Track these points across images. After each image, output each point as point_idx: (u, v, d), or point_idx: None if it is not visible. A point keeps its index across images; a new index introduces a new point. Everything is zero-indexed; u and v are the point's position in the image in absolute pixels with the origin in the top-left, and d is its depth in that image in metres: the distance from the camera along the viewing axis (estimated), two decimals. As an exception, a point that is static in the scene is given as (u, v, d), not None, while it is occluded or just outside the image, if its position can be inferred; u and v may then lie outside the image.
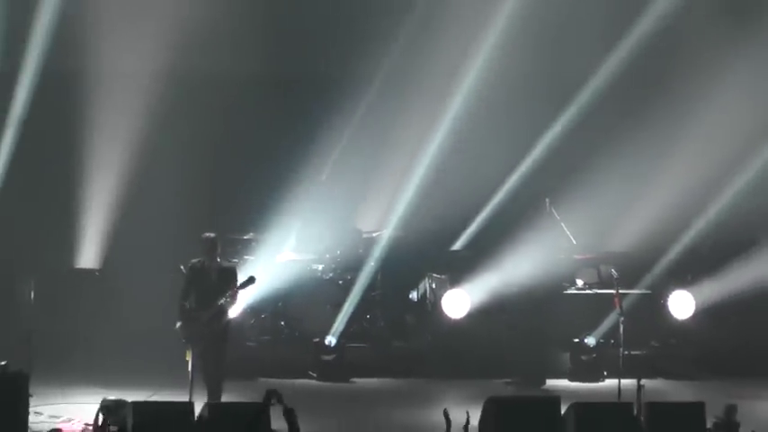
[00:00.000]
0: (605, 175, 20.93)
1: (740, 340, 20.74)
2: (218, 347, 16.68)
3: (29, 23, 20.31)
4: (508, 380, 19.60)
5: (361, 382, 19.59)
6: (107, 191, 20.67)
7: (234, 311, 18.46)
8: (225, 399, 16.37)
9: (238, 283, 16.60)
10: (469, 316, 20.27)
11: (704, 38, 21.36)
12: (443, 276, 20.71)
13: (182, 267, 16.75)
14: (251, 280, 16.50)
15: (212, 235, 16.68)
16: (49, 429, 15.15)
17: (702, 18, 21.38)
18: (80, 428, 15.45)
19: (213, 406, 15.36)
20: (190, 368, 16.37)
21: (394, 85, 21.25)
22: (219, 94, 20.93)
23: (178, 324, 16.44)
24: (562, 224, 20.06)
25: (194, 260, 16.57)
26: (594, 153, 21.25)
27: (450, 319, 20.33)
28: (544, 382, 19.29)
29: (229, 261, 16.97)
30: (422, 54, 21.16)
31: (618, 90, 21.44)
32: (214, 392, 16.58)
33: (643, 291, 19.97)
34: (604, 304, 19.04)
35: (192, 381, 16.31)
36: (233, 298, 16.52)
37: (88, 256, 20.53)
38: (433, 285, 20.77)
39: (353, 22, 21.27)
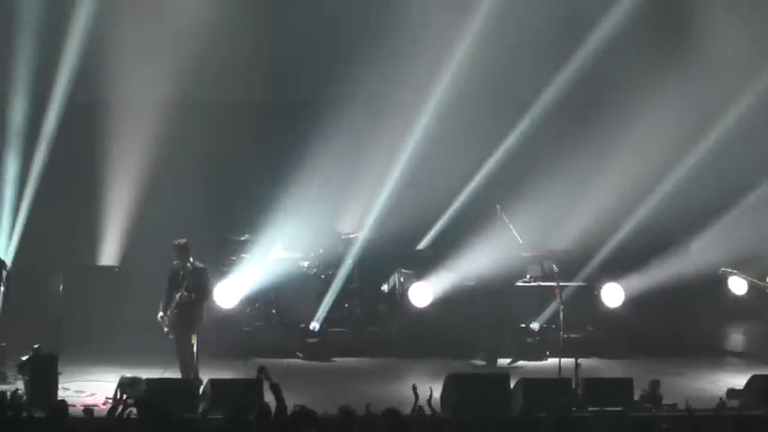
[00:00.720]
0: (549, 184, 20.92)
1: (662, 325, 20.90)
2: (183, 333, 16.86)
3: (59, 56, 20.16)
4: (476, 360, 19.65)
5: (341, 361, 19.68)
6: (125, 199, 20.60)
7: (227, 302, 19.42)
8: (226, 375, 16.32)
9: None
10: (433, 305, 20.30)
11: (636, 65, 21.41)
12: (410, 271, 20.74)
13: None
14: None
15: (183, 241, 16.87)
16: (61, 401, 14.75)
17: (635, 47, 21.35)
18: (102, 401, 15.41)
19: (215, 381, 15.60)
20: (195, 350, 16.54)
21: (370, 108, 21.13)
22: (220, 115, 20.88)
23: (159, 315, 16.73)
24: (511, 227, 19.91)
25: (175, 262, 16.73)
26: (540, 165, 21.25)
27: (416, 307, 20.37)
28: (496, 362, 19.30)
29: (201, 263, 16.98)
30: (392, 80, 21.07)
31: (561, 109, 21.41)
32: (188, 363, 16.75)
33: (579, 283, 20.03)
34: (547, 295, 19.23)
35: (197, 360, 16.52)
36: (192, 296, 16.65)
37: (109, 254, 20.51)
38: (402, 279, 20.75)
39: (337, 52, 21.19)
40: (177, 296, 16.69)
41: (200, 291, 16.87)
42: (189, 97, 20.71)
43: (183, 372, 16.77)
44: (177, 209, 20.02)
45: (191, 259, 16.88)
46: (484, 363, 19.58)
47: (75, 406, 14.91)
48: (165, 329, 16.78)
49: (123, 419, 14.53)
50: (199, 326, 16.91)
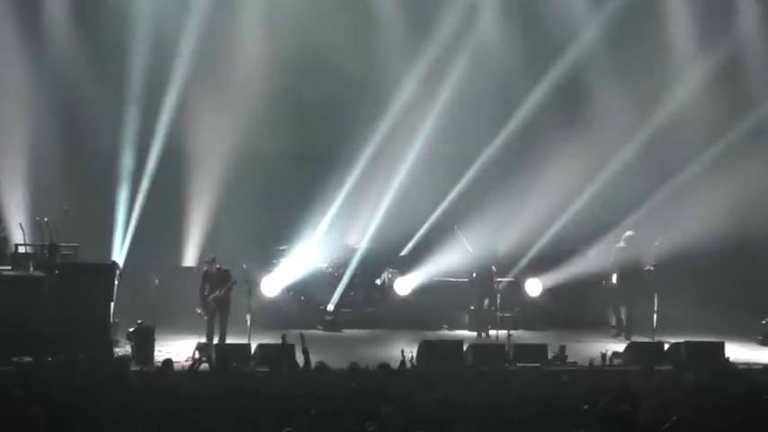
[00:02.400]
0: (493, 207, 20.56)
1: (568, 307, 20.77)
2: (224, 312, 17.13)
3: (157, 119, 20.17)
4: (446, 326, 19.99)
5: (348, 332, 19.77)
6: (201, 219, 20.47)
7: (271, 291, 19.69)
8: (270, 341, 16.31)
9: (229, 283, 17.23)
10: (412, 293, 20.43)
11: (550, 128, 21.13)
12: (395, 270, 20.73)
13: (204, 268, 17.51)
14: (234, 282, 17.22)
15: (212, 256, 17.41)
16: (164, 359, 15.04)
17: (549, 116, 21.10)
18: (184, 359, 15.52)
19: (262, 345, 15.98)
20: (248, 324, 16.82)
21: (368, 157, 20.85)
22: (265, 161, 20.70)
23: (198, 310, 17.18)
24: (464, 240, 19.98)
25: (205, 268, 17.28)
26: (486, 194, 20.99)
27: (399, 295, 20.52)
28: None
29: (225, 268, 17.40)
30: (383, 136, 20.87)
31: (500, 157, 21.17)
32: (222, 336, 17.15)
33: (511, 279, 19.99)
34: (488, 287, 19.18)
35: (249, 331, 16.73)
36: (225, 291, 17.05)
37: (189, 257, 20.44)
38: (390, 275, 20.73)
39: (345, 117, 21.03)
40: (216, 292, 17.02)
41: (228, 284, 17.19)
42: (243, 149, 20.51)
43: (221, 337, 17.13)
44: (236, 226, 19.96)
45: (217, 265, 17.23)
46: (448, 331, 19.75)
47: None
48: (199, 311, 17.15)
49: (198, 371, 14.65)
50: (229, 309, 17.26)
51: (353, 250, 20.66)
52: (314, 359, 14.55)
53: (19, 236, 18.16)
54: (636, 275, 19.69)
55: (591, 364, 15.40)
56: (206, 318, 17.29)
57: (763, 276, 19.84)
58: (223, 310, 17.30)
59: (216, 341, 16.98)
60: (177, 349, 16.44)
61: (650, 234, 20.28)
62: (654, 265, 19.82)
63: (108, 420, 11.23)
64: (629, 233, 19.92)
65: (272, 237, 20.62)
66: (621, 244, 19.85)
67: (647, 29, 21.13)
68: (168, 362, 14.77)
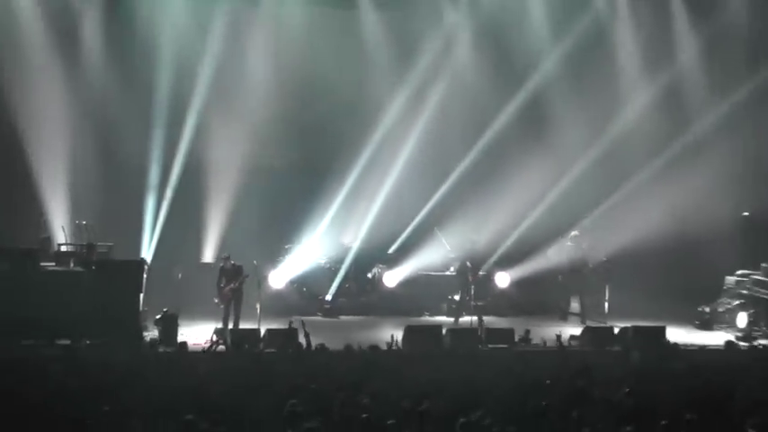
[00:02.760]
0: (468, 211, 20.92)
1: (531, 297, 21.11)
2: (238, 302, 17.46)
3: (180, 135, 20.48)
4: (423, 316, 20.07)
5: (344, 318, 20.01)
6: (218, 221, 20.75)
7: (278, 283, 19.96)
8: (277, 326, 16.46)
9: (241, 277, 17.52)
10: (398, 285, 20.77)
11: (516, 145, 21.34)
12: (384, 265, 20.95)
13: (221, 265, 17.74)
14: (246, 276, 17.55)
15: (226, 254, 17.66)
16: (180, 342, 15.61)
17: (515, 136, 21.42)
18: (203, 341, 15.77)
19: (270, 330, 16.16)
20: (258, 312, 17.08)
21: (359, 168, 21.14)
22: (274, 172, 21.02)
23: (215, 300, 17.50)
24: (443, 240, 20.42)
25: (221, 263, 17.52)
26: (462, 199, 21.20)
27: (387, 287, 20.80)
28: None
29: (238, 264, 17.69)
30: (372, 150, 21.19)
31: (473, 170, 21.46)
32: (236, 322, 17.44)
33: (483, 272, 20.15)
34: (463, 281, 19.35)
35: (259, 318, 16.99)
36: (238, 283, 17.39)
37: (207, 255, 20.62)
38: (379, 270, 20.88)
39: (338, 132, 21.32)
40: (231, 284, 17.35)
41: (241, 278, 17.53)
42: (252, 163, 20.79)
43: (236, 323, 17.42)
44: (247, 228, 20.15)
45: (231, 261, 17.50)
46: (429, 317, 19.89)
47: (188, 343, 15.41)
48: (216, 301, 17.54)
49: (216, 352, 15.27)
50: (242, 299, 17.56)
51: (348, 248, 20.74)
52: (314, 341, 14.62)
53: (61, 236, 18.43)
54: (584, 269, 19.96)
55: (559, 341, 15.47)
56: (222, 306, 17.43)
57: (700, 270, 19.92)
58: (237, 299, 17.46)
59: (230, 326, 17.13)
60: (197, 333, 16.56)
61: (601, 234, 20.57)
62: (606, 260, 20.08)
63: (137, 393, 11.65)
64: (574, 233, 20.19)
65: (278, 237, 20.58)
66: (569, 242, 20.16)
67: (600, 58, 21.27)
68: (183, 344, 15.16)
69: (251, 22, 20.79)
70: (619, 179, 20.87)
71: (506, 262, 20.80)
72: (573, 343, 16.83)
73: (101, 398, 11.59)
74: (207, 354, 15.13)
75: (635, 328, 17.31)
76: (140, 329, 16.75)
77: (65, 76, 19.75)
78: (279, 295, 19.92)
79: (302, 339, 14.54)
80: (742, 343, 17.56)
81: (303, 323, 14.82)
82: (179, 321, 16.59)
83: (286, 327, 15.80)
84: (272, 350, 15.17)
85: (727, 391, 12.72)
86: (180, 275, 18.38)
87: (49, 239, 18.54)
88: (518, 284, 20.87)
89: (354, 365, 13.96)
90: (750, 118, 19.58)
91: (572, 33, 20.86)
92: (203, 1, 20.28)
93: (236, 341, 15.82)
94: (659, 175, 20.60)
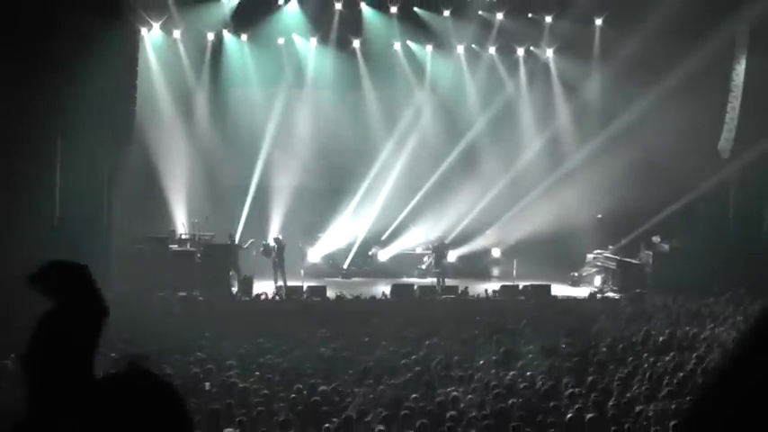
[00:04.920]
0: (431, 214, 20.40)
1: (473, 266, 20.30)
2: (282, 268, 16.76)
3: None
4: (405, 276, 19.38)
5: (355, 279, 19.32)
6: (278, 220, 19.84)
7: (315, 258, 19.39)
8: (314, 284, 16.33)
9: (282, 252, 16.67)
10: (389, 259, 20.35)
11: (460, 165, 20.48)
12: (379, 246, 20.44)
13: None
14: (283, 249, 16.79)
15: (277, 236, 17.11)
16: (254, 294, 15.45)
17: (458, 161, 20.56)
18: (270, 294, 15.69)
19: (311, 287, 16.00)
20: (302, 275, 16.93)
21: (364, 187, 20.38)
22: (307, 191, 20.14)
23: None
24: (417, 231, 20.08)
25: (274, 244, 17.03)
26: (427, 207, 20.40)
27: (381, 260, 20.42)
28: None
29: (283, 242, 17.15)
30: (372, 176, 20.42)
31: (435, 185, 20.55)
32: (284, 281, 16.54)
33: (440, 251, 19.08)
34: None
35: (303, 278, 16.76)
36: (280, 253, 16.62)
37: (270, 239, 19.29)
38: (377, 249, 20.46)
39: (351, 164, 20.26)
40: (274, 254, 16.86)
41: (283, 248, 17.06)
42: (298, 185, 20.16)
43: (284, 282, 16.52)
44: (295, 223, 19.39)
45: (279, 236, 17.21)
46: (407, 279, 19.11)
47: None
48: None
49: (275, 300, 15.27)
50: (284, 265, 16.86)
51: (357, 236, 20.38)
52: (333, 294, 15.02)
53: (181, 229, 18.40)
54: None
55: (486, 293, 15.81)
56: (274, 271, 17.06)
57: (572, 250, 19.43)
58: (281, 267, 17.02)
59: (281, 284, 16.72)
60: (265, 288, 16.40)
61: (511, 227, 20.26)
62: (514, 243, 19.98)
63: (228, 324, 11.81)
64: (489, 231, 20.22)
65: (314, 229, 20.17)
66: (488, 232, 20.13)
67: (509, 119, 20.91)
68: (257, 295, 15.33)
69: (298, 98, 20.53)
70: (522, 194, 20.40)
71: (454, 245, 20.35)
72: (494, 294, 16.69)
73: (205, 327, 11.76)
74: (271, 302, 15.15)
75: (533, 286, 17.20)
76: (230, 286, 16.53)
77: (185, 128, 19.56)
78: (314, 265, 19.66)
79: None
80: (597, 294, 17.60)
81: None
82: (253, 282, 16.42)
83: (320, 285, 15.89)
84: (316, 299, 15.35)
85: (588, 323, 12.92)
86: (254, 253, 17.74)
87: (174, 232, 18.40)
88: (461, 258, 20.53)
89: (361, 309, 14.03)
90: (602, 156, 19.08)
91: (493, 105, 20.64)
92: (270, 86, 19.99)
93: (288, 293, 15.81)
94: (547, 191, 20.11)
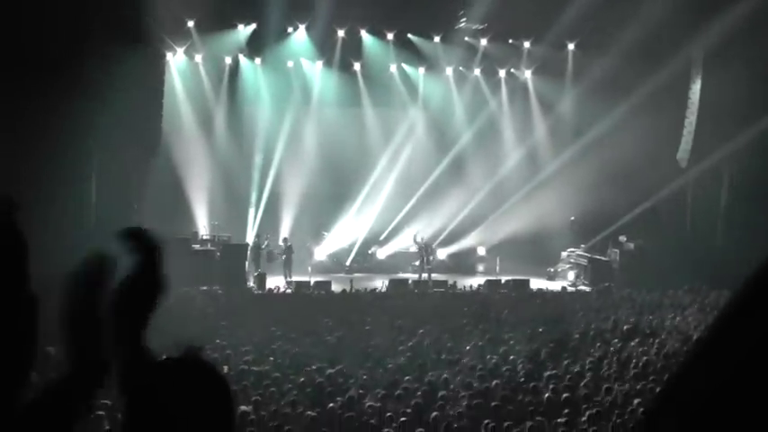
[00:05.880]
0: (423, 215, 19.82)
1: (459, 263, 20.25)
2: (290, 265, 16.69)
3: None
4: (401, 272, 19.15)
5: (356, 274, 18.82)
6: (288, 222, 19.77)
7: (321, 256, 19.07)
8: (320, 280, 16.15)
9: (291, 253, 16.62)
10: (386, 256, 20.16)
11: (448, 174, 20.23)
12: (377, 245, 20.28)
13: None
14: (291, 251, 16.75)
15: (285, 237, 17.11)
16: (267, 288, 15.22)
17: (447, 169, 20.36)
18: (281, 287, 15.55)
19: (317, 281, 15.66)
20: (310, 271, 16.87)
21: (365, 193, 20.33)
22: (316, 196, 19.86)
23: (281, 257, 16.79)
24: (415, 236, 19.47)
25: (280, 243, 16.95)
26: (420, 210, 20.08)
27: (379, 258, 20.23)
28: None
29: (290, 243, 17.20)
30: (371, 184, 20.21)
31: (427, 191, 20.27)
32: (292, 276, 16.42)
33: (431, 250, 19.18)
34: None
35: (310, 274, 16.68)
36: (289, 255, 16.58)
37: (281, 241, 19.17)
38: (375, 248, 20.30)
39: (353, 174, 20.22)
40: (283, 252, 16.84)
41: (291, 249, 17.06)
42: (307, 191, 19.96)
43: (291, 278, 16.62)
44: (305, 224, 19.41)
45: (289, 243, 17.16)
46: (402, 274, 18.82)
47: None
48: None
49: (286, 293, 15.14)
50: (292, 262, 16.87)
51: (358, 236, 20.28)
52: (338, 288, 14.97)
53: (202, 230, 18.32)
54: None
55: (471, 287, 15.58)
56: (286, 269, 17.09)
57: (548, 248, 19.31)
58: (289, 263, 17.07)
59: (290, 279, 16.70)
60: (276, 282, 16.30)
61: (494, 229, 20.11)
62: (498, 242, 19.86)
63: (245, 315, 11.76)
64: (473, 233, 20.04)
65: (320, 228, 20.04)
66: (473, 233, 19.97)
67: (492, 132, 20.83)
68: (270, 289, 15.14)
69: (306, 114, 20.40)
70: (504, 198, 20.27)
71: (443, 243, 20.32)
72: (479, 288, 16.54)
73: (226, 317, 11.63)
74: (282, 295, 14.98)
75: (513, 280, 17.09)
76: (245, 282, 16.45)
77: (206, 142, 19.45)
78: (320, 262, 19.54)
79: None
80: (570, 288, 17.51)
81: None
82: (266, 277, 16.37)
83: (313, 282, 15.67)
84: (321, 292, 15.14)
85: (563, 313, 12.85)
86: (267, 253, 17.71)
87: (196, 233, 18.30)
88: (450, 256, 20.44)
89: (361, 300, 13.83)
90: (574, 165, 18.98)
91: (477, 120, 20.51)
92: (281, 104, 19.86)
93: (296, 288, 15.67)
94: (526, 196, 19.98)
